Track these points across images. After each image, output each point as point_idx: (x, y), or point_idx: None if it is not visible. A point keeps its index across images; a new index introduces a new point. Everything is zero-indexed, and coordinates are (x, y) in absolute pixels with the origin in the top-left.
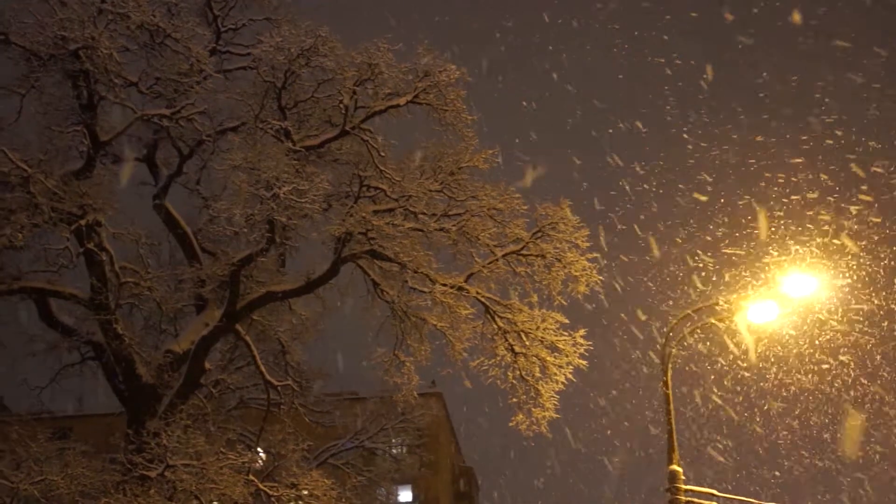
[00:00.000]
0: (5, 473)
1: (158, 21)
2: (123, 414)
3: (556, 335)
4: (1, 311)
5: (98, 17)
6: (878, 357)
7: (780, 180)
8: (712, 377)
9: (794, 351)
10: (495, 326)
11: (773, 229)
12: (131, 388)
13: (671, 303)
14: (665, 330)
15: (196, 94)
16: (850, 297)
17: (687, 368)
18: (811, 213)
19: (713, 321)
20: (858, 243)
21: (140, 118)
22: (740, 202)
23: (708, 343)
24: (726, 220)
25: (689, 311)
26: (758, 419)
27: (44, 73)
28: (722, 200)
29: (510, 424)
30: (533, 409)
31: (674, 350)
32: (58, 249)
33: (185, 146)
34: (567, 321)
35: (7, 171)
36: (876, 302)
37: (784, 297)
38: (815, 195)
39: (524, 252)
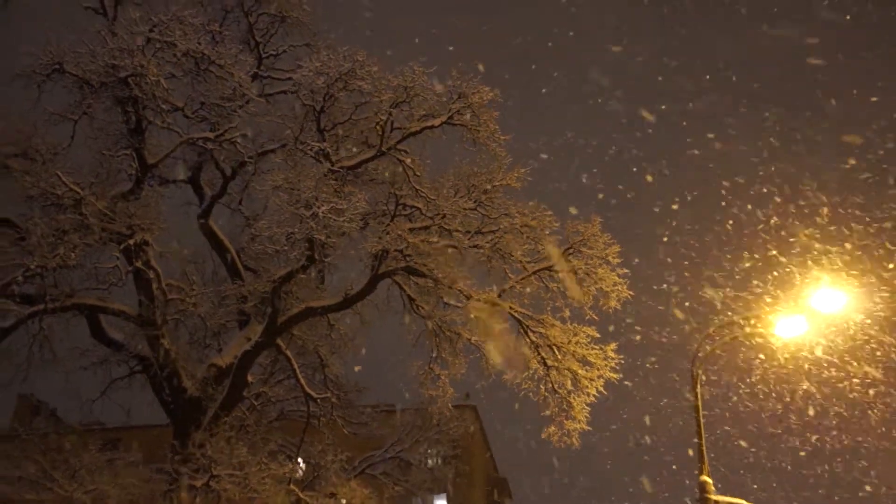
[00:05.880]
0: (60, 482)
1: (203, 48)
2: (170, 425)
3: (587, 349)
4: (55, 327)
5: (146, 45)
6: None
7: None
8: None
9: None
10: (528, 340)
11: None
12: (177, 400)
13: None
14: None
15: (239, 118)
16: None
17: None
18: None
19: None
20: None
21: (185, 141)
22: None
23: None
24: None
25: (718, 326)
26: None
27: (95, 99)
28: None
29: (543, 436)
30: (565, 422)
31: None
32: (108, 268)
33: (228, 168)
34: (598, 335)
35: (61, 193)
36: None
37: (814, 312)
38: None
39: (556, 268)
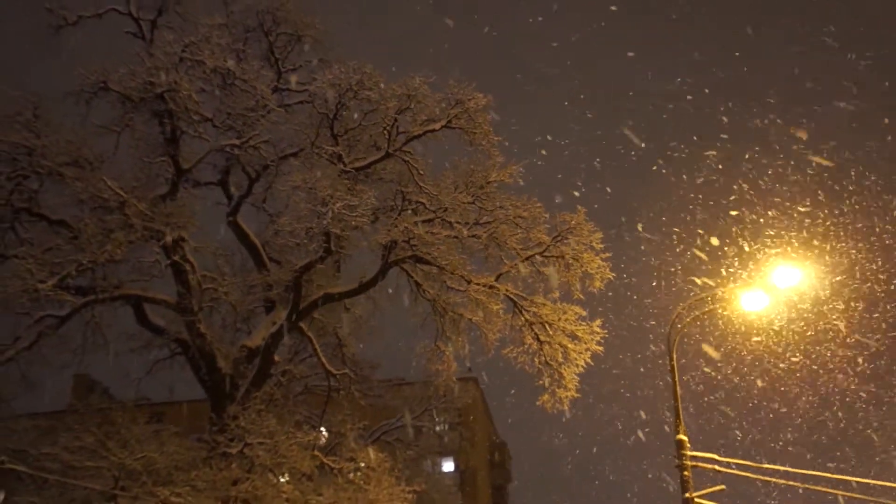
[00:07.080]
0: (113, 451)
1: (229, 65)
2: (207, 400)
3: (575, 325)
4: (105, 315)
5: (179, 64)
6: None
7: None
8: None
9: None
10: (523, 319)
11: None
12: (213, 378)
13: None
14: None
15: (261, 126)
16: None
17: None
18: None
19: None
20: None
21: (215, 148)
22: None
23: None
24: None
25: (683, 305)
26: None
27: (135, 113)
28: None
29: (537, 403)
30: (557, 390)
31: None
32: (149, 262)
33: (252, 171)
34: (585, 312)
35: (107, 196)
36: None
37: (773, 288)
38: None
39: (546, 254)
